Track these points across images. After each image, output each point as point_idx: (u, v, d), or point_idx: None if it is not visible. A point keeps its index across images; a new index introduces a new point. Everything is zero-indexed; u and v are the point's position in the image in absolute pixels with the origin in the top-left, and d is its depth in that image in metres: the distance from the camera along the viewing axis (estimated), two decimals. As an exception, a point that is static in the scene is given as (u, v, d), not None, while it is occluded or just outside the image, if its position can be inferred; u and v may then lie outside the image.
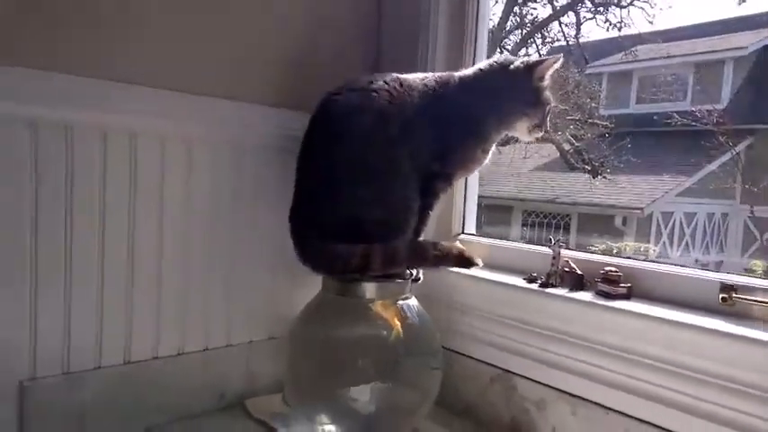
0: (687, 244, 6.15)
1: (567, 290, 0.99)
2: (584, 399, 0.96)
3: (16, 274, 0.89)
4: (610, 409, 0.93)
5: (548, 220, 6.40)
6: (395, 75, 1.01)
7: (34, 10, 0.88)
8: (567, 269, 1.02)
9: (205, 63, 1.06)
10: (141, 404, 1.02)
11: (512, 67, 1.02)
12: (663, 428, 0.87)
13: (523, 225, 6.50)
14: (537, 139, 1.07)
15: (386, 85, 0.98)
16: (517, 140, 1.14)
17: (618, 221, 5.92)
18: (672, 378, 0.85)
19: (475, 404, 1.13)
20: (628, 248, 5.57)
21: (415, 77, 1.02)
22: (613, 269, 0.96)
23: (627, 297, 0.94)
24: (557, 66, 1.01)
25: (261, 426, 1.06)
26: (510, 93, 1.01)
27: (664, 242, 6.07)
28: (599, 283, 0.96)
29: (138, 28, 0.98)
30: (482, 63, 1.06)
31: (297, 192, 1.01)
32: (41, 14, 0.89)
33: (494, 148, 1.08)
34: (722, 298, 0.86)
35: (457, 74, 1.05)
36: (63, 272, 0.93)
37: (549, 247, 1.05)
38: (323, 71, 1.16)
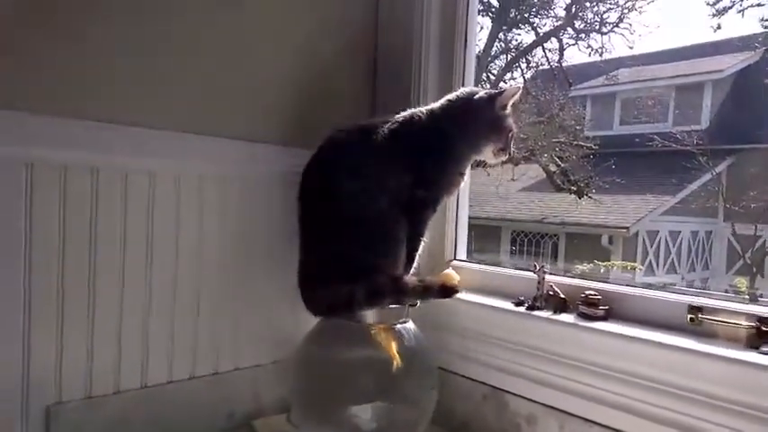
0: (673, 262, 6.25)
1: (551, 312, 1.08)
2: (570, 414, 1.04)
3: (45, 308, 0.97)
4: (594, 422, 1.01)
5: (536, 240, 6.49)
6: (356, 124, 1.10)
7: (61, 65, 0.98)
8: (551, 293, 1.11)
9: (216, 107, 1.16)
10: (157, 425, 1.09)
11: (476, 97, 1.11)
12: (640, 439, 0.95)
13: (512, 245, 6.59)
14: (502, 162, 1.15)
15: (348, 137, 1.08)
16: (505, 162, 1.22)
17: (604, 240, 6.02)
18: (647, 392, 0.93)
19: (469, 421, 1.20)
20: (615, 267, 5.67)
21: (375, 123, 1.11)
22: (593, 292, 1.05)
23: (605, 318, 1.02)
24: (516, 96, 1.10)
25: (269, 445, 1.13)
26: (476, 120, 1.10)
27: (650, 260, 6.17)
28: (580, 306, 1.05)
29: (159, 80, 1.08)
30: (449, 95, 1.14)
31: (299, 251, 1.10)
32: (69, 69, 0.99)
33: (468, 170, 1.16)
34: (690, 318, 0.95)
35: (424, 108, 1.13)
36: (86, 304, 1.01)
37: (535, 272, 1.14)
38: (323, 111, 1.28)
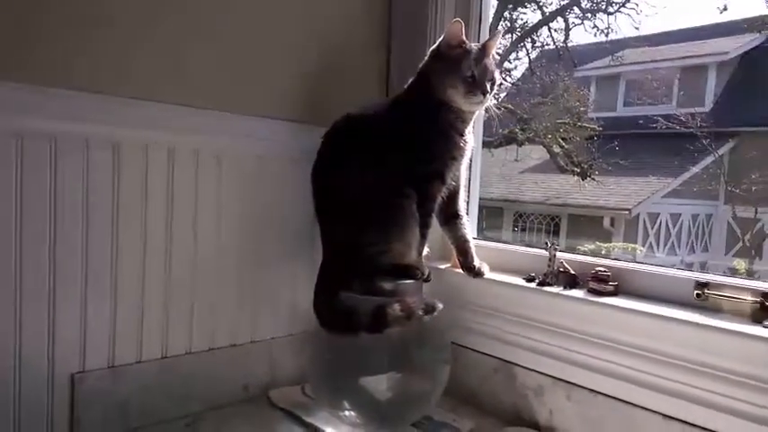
0: (673, 244, 6.29)
1: (561, 288, 1.10)
2: (577, 384, 1.08)
3: (70, 281, 0.99)
4: (599, 392, 1.04)
5: (538, 221, 6.51)
6: (350, 114, 1.11)
7: (100, 45, 0.99)
8: (561, 269, 1.13)
9: (232, 84, 1.17)
10: (176, 394, 1.12)
11: (432, 48, 1.12)
12: (644, 408, 0.98)
13: (514, 226, 6.61)
14: (478, 108, 1.10)
15: (343, 127, 1.10)
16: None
17: (606, 222, 6.04)
18: (653, 364, 0.96)
19: (479, 392, 1.24)
20: (616, 249, 5.70)
21: (367, 111, 1.12)
22: (603, 269, 1.08)
23: (615, 294, 1.05)
24: (459, 28, 1.06)
25: (285, 414, 1.16)
26: (435, 71, 1.09)
27: (650, 243, 6.20)
28: (590, 282, 1.07)
29: (182, 58, 1.09)
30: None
31: None
32: (103, 47, 1.00)
33: (470, 130, 1.13)
34: (696, 294, 0.98)
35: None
36: (109, 278, 1.04)
37: (546, 249, 1.16)
38: (336, 89, 1.30)
